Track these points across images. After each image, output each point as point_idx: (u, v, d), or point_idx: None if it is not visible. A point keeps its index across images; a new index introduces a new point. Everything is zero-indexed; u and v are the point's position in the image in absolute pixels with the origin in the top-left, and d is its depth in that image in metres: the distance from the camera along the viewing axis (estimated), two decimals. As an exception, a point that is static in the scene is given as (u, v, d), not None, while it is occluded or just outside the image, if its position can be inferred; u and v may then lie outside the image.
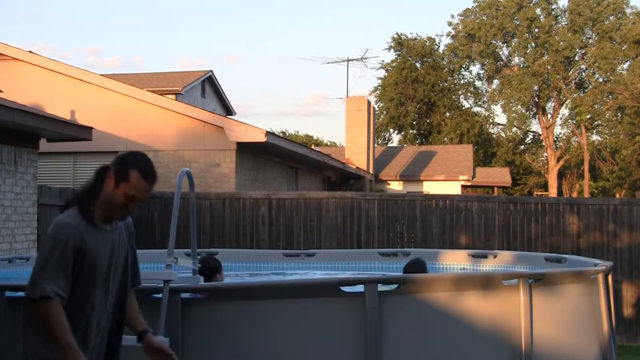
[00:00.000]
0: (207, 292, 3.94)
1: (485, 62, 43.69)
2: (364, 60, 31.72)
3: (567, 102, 42.28)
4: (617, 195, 39.37)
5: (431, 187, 25.00)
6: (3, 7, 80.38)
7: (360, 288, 3.75)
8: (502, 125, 45.96)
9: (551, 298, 4.22)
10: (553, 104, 43.04)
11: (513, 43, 42.75)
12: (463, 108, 44.97)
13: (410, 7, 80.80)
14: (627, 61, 40.54)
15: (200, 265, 4.79)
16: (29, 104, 10.58)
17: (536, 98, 41.83)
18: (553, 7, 42.14)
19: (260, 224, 9.91)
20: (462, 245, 9.29)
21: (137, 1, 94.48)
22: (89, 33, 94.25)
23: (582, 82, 43.15)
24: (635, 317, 9.18)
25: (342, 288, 3.80)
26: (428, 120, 45.40)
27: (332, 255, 7.12)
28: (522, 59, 42.72)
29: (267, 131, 12.39)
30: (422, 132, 46.00)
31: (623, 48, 39.65)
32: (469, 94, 46.14)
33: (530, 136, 46.98)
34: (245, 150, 12.80)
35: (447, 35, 45.06)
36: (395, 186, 25.99)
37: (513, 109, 41.67)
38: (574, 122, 40.83)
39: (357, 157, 23.13)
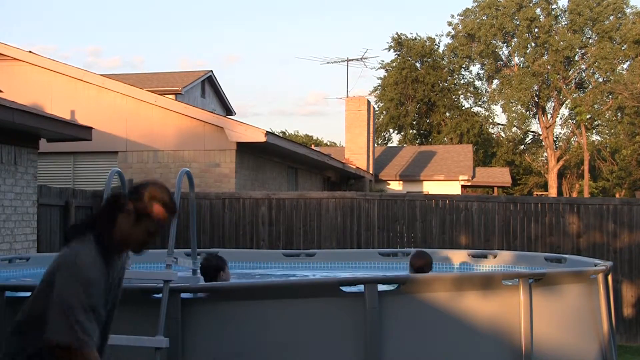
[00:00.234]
0: (207, 292, 3.94)
1: (485, 62, 43.69)
2: (364, 60, 31.80)
3: (567, 102, 42.28)
4: (617, 195, 39.37)
5: (431, 187, 24.99)
6: (3, 7, 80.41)
7: (360, 288, 3.75)
8: (502, 125, 45.99)
9: (551, 298, 4.22)
10: (553, 104, 43.04)
11: (513, 43, 42.73)
12: (463, 108, 44.97)
13: (410, 7, 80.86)
14: (627, 61, 40.53)
15: (202, 265, 4.79)
16: (29, 104, 10.57)
17: (536, 98, 41.82)
18: (553, 7, 42.13)
19: (260, 224, 9.90)
20: (462, 245, 9.29)
21: (137, 1, 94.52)
22: (89, 33, 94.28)
23: (582, 82, 43.14)
24: (635, 317, 9.18)
25: (342, 288, 3.80)
26: (428, 120, 45.40)
27: (332, 255, 7.14)
28: (522, 59, 42.70)
29: (267, 131, 12.39)
30: (422, 132, 46.01)
31: (623, 48, 39.65)
32: (468, 94, 46.15)
33: (530, 136, 47.00)
34: (245, 150, 12.80)
35: (447, 35, 45.11)
36: (395, 186, 25.98)
37: (513, 109, 41.65)
38: (574, 122, 40.83)
39: (357, 157, 23.12)
